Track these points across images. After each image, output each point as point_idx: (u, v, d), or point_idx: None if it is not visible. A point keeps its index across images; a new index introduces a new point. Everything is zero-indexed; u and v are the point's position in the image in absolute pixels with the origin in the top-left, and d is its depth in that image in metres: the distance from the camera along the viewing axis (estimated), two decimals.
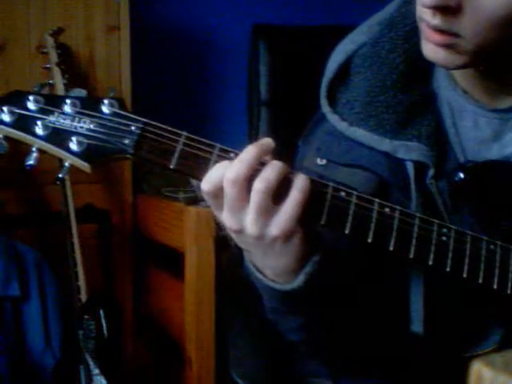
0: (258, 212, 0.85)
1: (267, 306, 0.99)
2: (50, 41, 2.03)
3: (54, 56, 2.01)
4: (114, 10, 2.17)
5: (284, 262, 0.90)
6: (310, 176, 0.89)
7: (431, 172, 0.97)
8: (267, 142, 0.87)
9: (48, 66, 2.00)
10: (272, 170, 0.85)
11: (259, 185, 0.84)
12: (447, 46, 0.90)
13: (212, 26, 2.49)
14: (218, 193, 0.85)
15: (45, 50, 2.03)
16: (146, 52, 2.35)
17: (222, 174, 0.85)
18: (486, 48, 0.89)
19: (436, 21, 0.88)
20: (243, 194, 0.85)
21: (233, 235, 0.89)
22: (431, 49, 0.91)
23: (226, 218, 0.87)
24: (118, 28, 2.18)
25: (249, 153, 0.85)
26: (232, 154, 0.87)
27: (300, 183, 0.86)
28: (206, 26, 2.49)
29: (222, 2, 2.52)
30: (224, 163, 0.86)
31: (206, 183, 0.86)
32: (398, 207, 0.90)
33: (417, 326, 0.96)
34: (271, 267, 0.92)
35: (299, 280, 0.91)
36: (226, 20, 2.50)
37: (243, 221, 0.86)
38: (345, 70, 1.04)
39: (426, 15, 0.89)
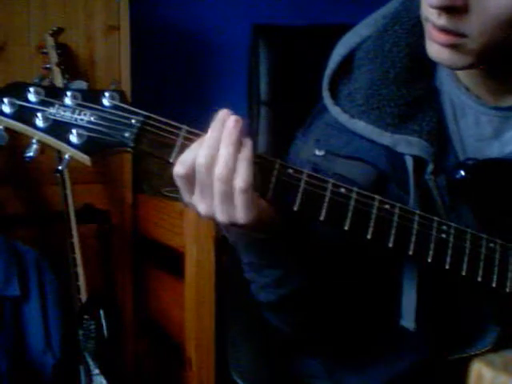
0: (221, 199, 0.84)
1: (244, 262, 0.99)
2: (50, 41, 2.03)
3: (53, 56, 2.01)
4: (114, 10, 2.17)
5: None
6: (308, 170, 0.89)
7: (430, 167, 0.97)
8: (231, 119, 0.88)
9: (48, 66, 2.00)
10: (224, 154, 0.84)
11: (217, 172, 0.84)
12: (452, 47, 0.89)
13: (212, 26, 2.49)
14: (191, 177, 0.85)
15: (45, 50, 2.03)
16: (145, 52, 2.35)
17: (196, 156, 0.84)
18: (491, 48, 0.89)
19: (442, 21, 0.88)
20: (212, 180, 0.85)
21: (207, 219, 0.89)
22: (436, 49, 0.91)
23: (199, 204, 0.86)
24: (117, 28, 2.18)
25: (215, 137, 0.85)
26: None
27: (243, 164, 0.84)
28: (206, 25, 2.49)
29: (222, 2, 2.52)
30: (196, 145, 0.85)
31: (181, 166, 0.85)
32: (397, 204, 0.90)
33: (407, 321, 0.96)
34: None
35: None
36: (225, 20, 2.50)
37: (213, 206, 0.86)
38: (348, 62, 1.04)
39: (431, 15, 0.89)
